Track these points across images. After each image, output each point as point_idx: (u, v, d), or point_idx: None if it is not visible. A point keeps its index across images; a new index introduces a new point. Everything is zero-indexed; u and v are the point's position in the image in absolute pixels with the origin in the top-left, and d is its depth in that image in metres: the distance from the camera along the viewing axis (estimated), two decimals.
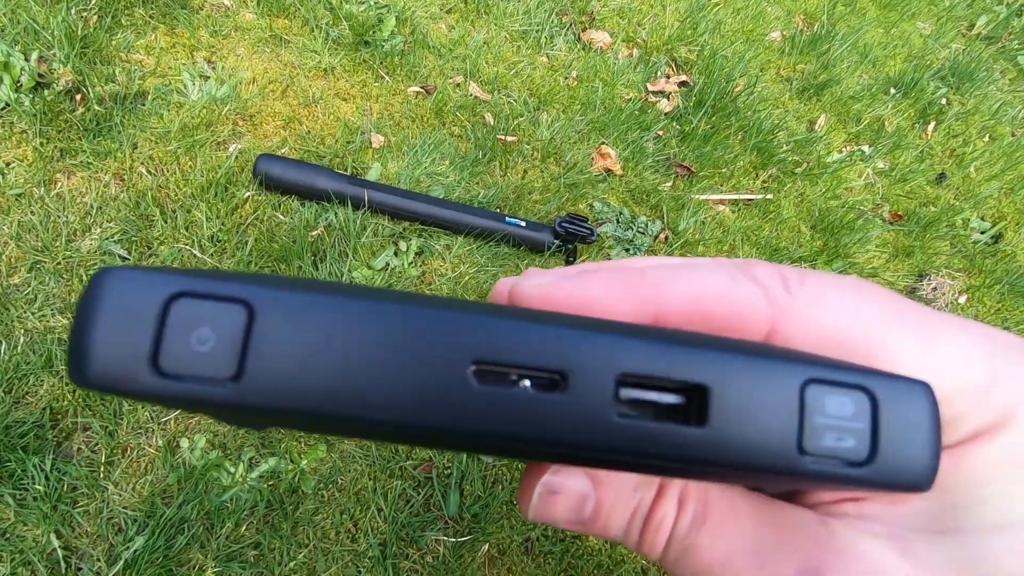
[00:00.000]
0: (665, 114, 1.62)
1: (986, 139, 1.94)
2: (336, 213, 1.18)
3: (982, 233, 1.71)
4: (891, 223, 1.63)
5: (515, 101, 1.49)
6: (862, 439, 0.12)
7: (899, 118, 1.87)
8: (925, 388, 0.12)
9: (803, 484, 0.13)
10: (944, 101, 1.98)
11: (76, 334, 0.11)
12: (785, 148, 1.66)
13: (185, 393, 0.11)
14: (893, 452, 0.12)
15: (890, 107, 1.88)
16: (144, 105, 1.21)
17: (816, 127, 1.76)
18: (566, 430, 0.11)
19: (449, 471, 1.00)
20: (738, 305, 0.13)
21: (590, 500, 0.15)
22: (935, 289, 1.49)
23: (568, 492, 0.15)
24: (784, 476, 0.12)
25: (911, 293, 1.50)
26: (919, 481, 0.12)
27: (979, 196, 1.76)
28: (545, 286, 0.14)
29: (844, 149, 1.75)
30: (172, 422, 0.95)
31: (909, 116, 1.90)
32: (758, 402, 0.11)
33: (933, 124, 1.91)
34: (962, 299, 1.52)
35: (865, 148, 1.76)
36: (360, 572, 0.91)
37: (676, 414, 0.12)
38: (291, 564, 0.90)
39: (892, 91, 1.95)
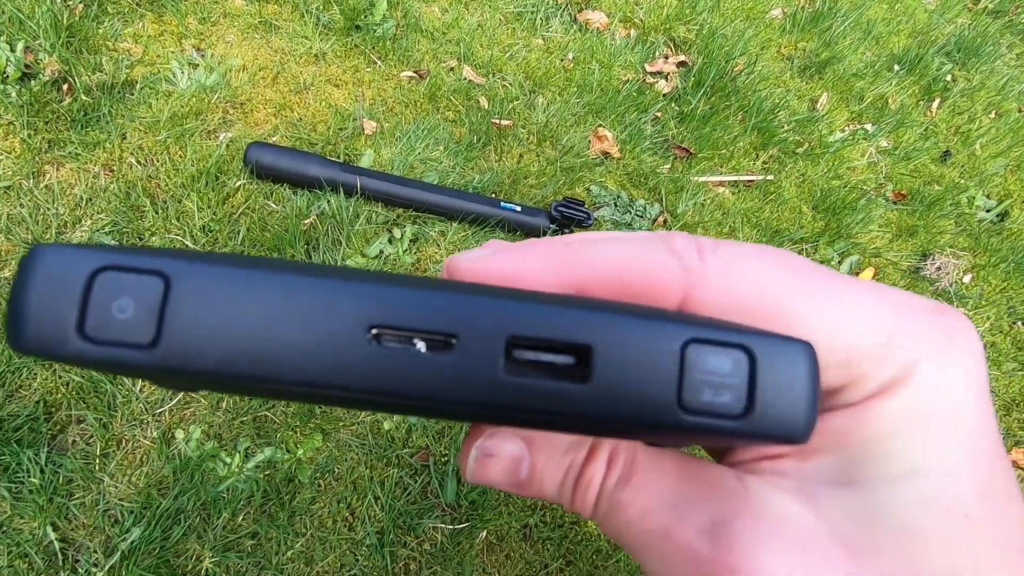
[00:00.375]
0: (663, 95, 1.59)
1: (992, 115, 1.90)
2: (329, 201, 1.16)
3: (988, 211, 1.68)
4: (894, 202, 1.60)
5: (510, 84, 1.47)
6: (738, 394, 0.12)
7: (903, 95, 1.84)
8: (805, 347, 0.13)
9: (686, 437, 0.13)
10: (949, 77, 1.94)
11: (12, 305, 0.12)
12: (786, 128, 1.63)
13: (109, 357, 0.12)
14: (769, 406, 0.12)
15: (894, 84, 1.84)
16: (132, 94, 1.19)
17: (818, 106, 1.73)
18: (454, 387, 0.12)
19: (446, 459, 0.99)
20: (653, 273, 0.14)
21: (524, 463, 0.16)
22: (939, 268, 1.47)
23: (502, 455, 0.16)
24: (665, 429, 0.12)
25: (915, 273, 1.48)
26: (795, 433, 0.13)
27: (985, 173, 1.73)
28: (476, 260, 0.15)
29: (846, 128, 1.72)
30: (167, 414, 0.95)
31: (913, 93, 1.86)
32: (640, 360, 0.12)
33: (938, 101, 1.87)
34: (967, 278, 1.50)
35: (868, 127, 1.73)
36: (358, 560, 0.91)
37: (568, 373, 0.12)
38: (288, 553, 0.89)
39: (896, 68, 1.91)
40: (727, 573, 0.14)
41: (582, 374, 0.12)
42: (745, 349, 0.13)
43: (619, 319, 0.12)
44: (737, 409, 0.12)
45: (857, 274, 1.43)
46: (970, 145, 1.80)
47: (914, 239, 1.53)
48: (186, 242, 1.07)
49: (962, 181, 1.71)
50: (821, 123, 1.68)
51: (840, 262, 1.43)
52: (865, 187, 1.60)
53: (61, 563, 0.83)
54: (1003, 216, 1.67)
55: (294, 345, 0.12)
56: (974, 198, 1.67)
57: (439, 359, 0.12)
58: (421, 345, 0.12)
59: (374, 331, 0.12)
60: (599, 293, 0.14)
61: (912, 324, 0.14)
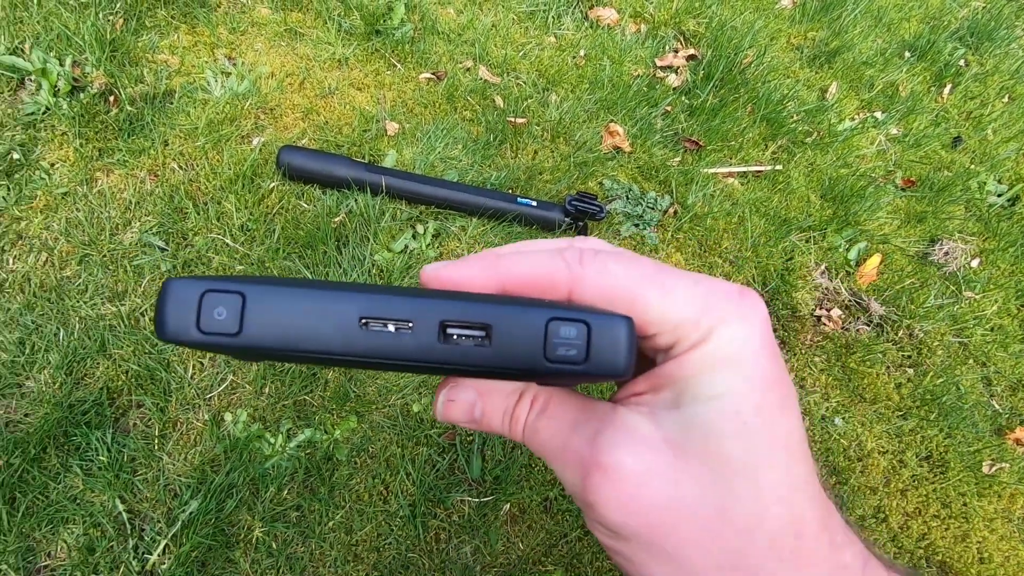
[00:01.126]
0: (673, 89, 1.63)
1: (1005, 100, 1.91)
2: (356, 200, 1.24)
3: (998, 196, 1.69)
4: (903, 189, 1.63)
5: (524, 83, 1.52)
6: (581, 350, 0.20)
7: (914, 82, 1.85)
8: (624, 320, 0.20)
9: (554, 379, 0.21)
10: (962, 62, 1.95)
11: (158, 313, 0.20)
12: (795, 118, 1.66)
13: (213, 342, 0.20)
14: (600, 356, 0.20)
15: (904, 71, 1.86)
16: (172, 103, 1.27)
17: (827, 95, 1.75)
18: (411, 352, 0.20)
19: (471, 438, 1.07)
20: (549, 276, 0.22)
21: (477, 406, 0.24)
22: (947, 254, 1.50)
23: (460, 400, 0.24)
24: (539, 373, 0.20)
25: (922, 258, 1.51)
26: (617, 372, 0.20)
27: (996, 159, 1.75)
28: (435, 269, 0.23)
29: (856, 116, 1.74)
30: (216, 398, 1.04)
31: (924, 80, 1.87)
32: (521, 332, 0.20)
33: (949, 87, 1.88)
34: (975, 262, 1.52)
35: (878, 114, 1.75)
36: (392, 530, 0.99)
37: (478, 342, 0.20)
38: (330, 524, 0.98)
39: (907, 54, 1.92)
40: (597, 465, 0.21)
41: (486, 342, 0.20)
42: (585, 323, 0.20)
43: (509, 308, 0.20)
44: (580, 359, 0.20)
45: (865, 260, 1.47)
46: (982, 130, 1.81)
47: (922, 225, 1.56)
48: (227, 241, 1.16)
49: (973, 167, 1.73)
50: (830, 112, 1.71)
51: (848, 249, 1.47)
52: (874, 175, 1.63)
53: (129, 532, 0.92)
54: (1014, 201, 1.69)
55: (318, 330, 0.20)
56: (985, 183, 1.69)
57: (402, 335, 0.20)
58: (391, 327, 0.20)
59: (363, 320, 0.20)
60: (517, 290, 0.22)
61: (717, 301, 0.21)
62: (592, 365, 0.20)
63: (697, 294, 0.21)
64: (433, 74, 1.48)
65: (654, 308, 0.21)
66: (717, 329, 0.21)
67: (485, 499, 1.03)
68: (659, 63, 1.67)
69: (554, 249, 0.22)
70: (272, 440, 1.01)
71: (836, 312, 1.37)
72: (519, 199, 1.27)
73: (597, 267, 0.21)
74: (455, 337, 0.20)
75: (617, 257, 0.22)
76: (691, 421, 0.21)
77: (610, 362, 0.20)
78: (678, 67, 1.68)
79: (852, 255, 1.46)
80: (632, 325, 0.20)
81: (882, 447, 1.24)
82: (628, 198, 1.40)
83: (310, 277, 1.14)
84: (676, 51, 1.72)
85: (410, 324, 0.20)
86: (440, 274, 0.22)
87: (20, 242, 1.09)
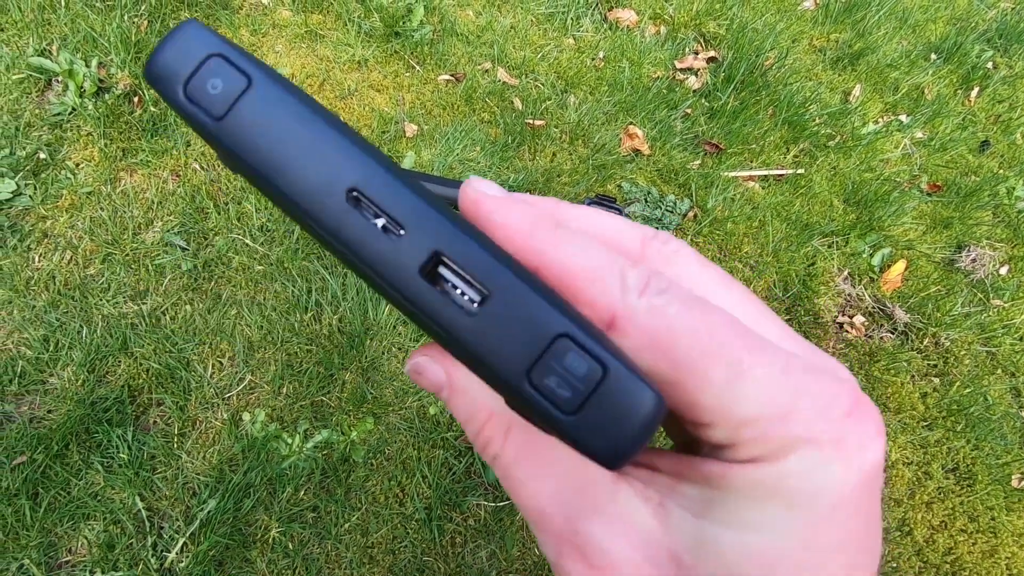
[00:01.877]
0: (693, 91, 1.61)
1: None
2: None
3: None
4: (929, 194, 1.59)
5: (543, 85, 1.52)
6: (576, 396, 0.14)
7: (940, 85, 1.81)
8: (652, 396, 0.14)
9: (522, 407, 0.16)
10: (990, 65, 1.91)
11: (157, 47, 0.16)
12: (817, 121, 1.63)
13: (191, 113, 0.16)
14: (595, 420, 0.14)
15: (930, 74, 1.82)
16: None
17: (851, 98, 1.73)
18: (379, 262, 0.15)
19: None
20: (593, 293, 0.16)
21: (444, 392, 0.19)
22: (974, 260, 1.46)
23: (427, 376, 0.19)
24: (510, 389, 0.15)
25: (949, 265, 1.48)
26: (603, 456, 0.14)
27: None
28: (476, 192, 0.17)
29: (880, 120, 1.71)
30: (235, 398, 1.04)
31: (951, 82, 1.84)
32: (519, 325, 0.15)
33: (977, 90, 1.84)
34: (1003, 270, 1.49)
35: (903, 118, 1.72)
36: (408, 533, 0.99)
37: (464, 305, 0.15)
38: (346, 525, 0.98)
39: (933, 57, 1.88)
40: (579, 552, 0.16)
41: (474, 309, 0.15)
42: (603, 365, 0.14)
43: (525, 289, 0.15)
44: (568, 406, 0.14)
45: (889, 266, 1.43)
46: (1011, 134, 1.77)
47: (949, 231, 1.53)
48: (247, 241, 1.17)
49: (1001, 171, 1.69)
50: (854, 115, 1.68)
51: (872, 255, 1.45)
52: (898, 179, 1.60)
53: (148, 529, 0.93)
54: None
55: (301, 173, 0.15)
56: (1014, 188, 1.65)
57: (385, 238, 0.15)
58: (380, 221, 0.15)
59: (353, 193, 0.15)
60: (553, 278, 0.16)
61: (813, 409, 0.15)
62: (579, 425, 0.14)
63: (784, 389, 0.15)
64: (452, 76, 1.48)
65: (713, 393, 0.15)
66: (800, 450, 0.15)
67: (501, 504, 1.03)
68: (679, 65, 1.65)
69: (613, 260, 0.16)
70: (289, 440, 1.01)
71: (859, 319, 1.34)
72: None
73: (655, 307, 0.15)
74: (443, 280, 0.15)
75: (687, 303, 0.15)
76: (713, 546, 0.15)
77: (603, 436, 0.14)
78: (698, 69, 1.66)
79: (876, 261, 1.43)
80: (660, 407, 0.14)
81: (907, 458, 1.21)
82: (647, 201, 1.39)
83: (325, 266, 1.13)
84: (696, 53, 1.70)
85: (402, 231, 0.15)
86: (481, 204, 0.17)
87: (46, 240, 1.11)
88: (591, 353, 0.14)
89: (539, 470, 0.18)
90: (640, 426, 0.14)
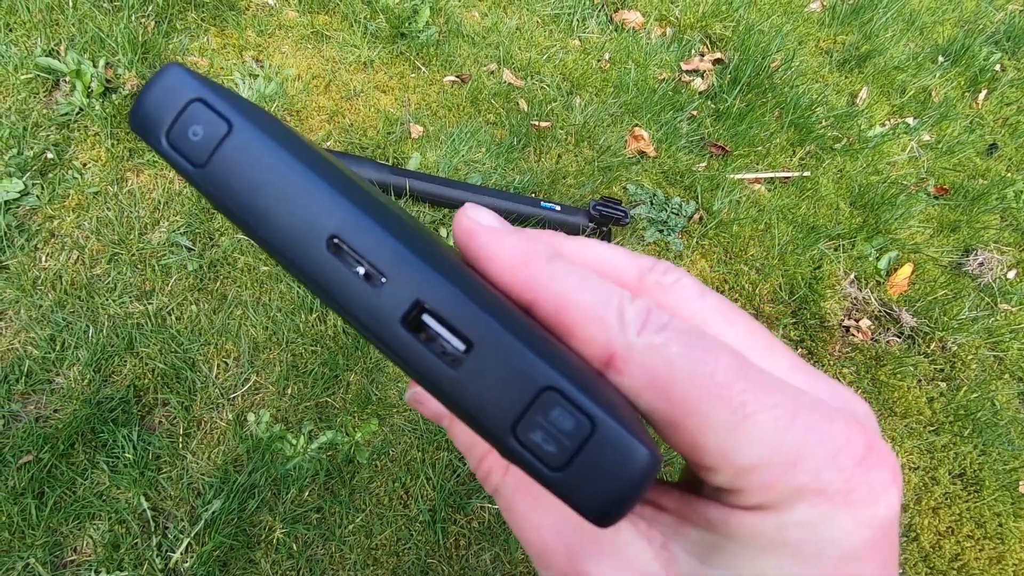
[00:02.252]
0: (699, 93, 1.61)
1: None
2: None
3: None
4: (936, 197, 1.59)
5: (548, 86, 1.51)
6: (563, 452, 0.14)
7: (947, 87, 1.80)
8: (645, 454, 0.14)
9: (511, 459, 0.15)
10: (998, 67, 1.90)
11: (139, 94, 0.16)
12: (824, 124, 1.63)
13: (174, 160, 0.16)
14: (582, 478, 0.14)
15: (938, 76, 1.81)
16: None
17: (857, 100, 1.72)
18: (360, 310, 0.15)
19: None
20: (589, 330, 0.15)
21: (444, 420, 0.19)
22: (981, 264, 1.45)
23: (427, 407, 0.19)
24: (495, 443, 0.15)
25: (956, 268, 1.47)
26: (591, 513, 0.14)
27: None
28: (471, 223, 0.16)
29: (887, 122, 1.71)
30: (240, 399, 1.04)
31: (959, 85, 1.83)
32: (505, 379, 0.14)
33: (985, 92, 1.83)
34: (1011, 274, 1.48)
35: (910, 120, 1.71)
36: (412, 535, 0.99)
37: (448, 356, 0.15)
38: (350, 527, 0.98)
39: (940, 59, 1.87)
40: None
41: (457, 359, 0.15)
42: (592, 421, 0.14)
43: (511, 339, 0.14)
44: (555, 462, 0.14)
45: (896, 270, 1.43)
46: (1019, 137, 1.76)
47: (956, 234, 1.52)
48: (251, 241, 1.17)
49: (1009, 175, 1.68)
50: (860, 118, 1.67)
51: (878, 258, 1.44)
52: (905, 182, 1.59)
53: (153, 529, 0.93)
54: None
55: (281, 222, 0.15)
56: (1022, 192, 1.64)
57: (366, 286, 0.15)
58: (361, 269, 0.15)
59: (335, 241, 0.15)
60: (548, 316, 0.16)
61: (823, 457, 0.14)
62: (567, 481, 0.14)
63: (791, 433, 0.14)
64: (457, 77, 1.48)
65: (715, 438, 0.14)
66: (808, 500, 0.14)
67: None
68: (685, 67, 1.65)
69: (611, 292, 0.15)
70: (294, 441, 1.01)
71: (865, 323, 1.34)
72: (543, 203, 1.27)
73: (654, 345, 0.14)
74: (427, 328, 0.15)
75: (688, 340, 0.14)
76: None
77: (593, 494, 0.14)
78: (704, 71, 1.66)
79: (882, 264, 1.42)
80: (653, 465, 0.14)
81: (913, 463, 1.20)
82: (652, 203, 1.38)
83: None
84: (702, 55, 1.70)
85: (383, 279, 0.15)
86: (475, 236, 0.16)
87: (53, 240, 1.11)
88: (579, 407, 0.14)
89: (541, 504, 0.17)
90: (631, 485, 0.14)
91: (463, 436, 0.19)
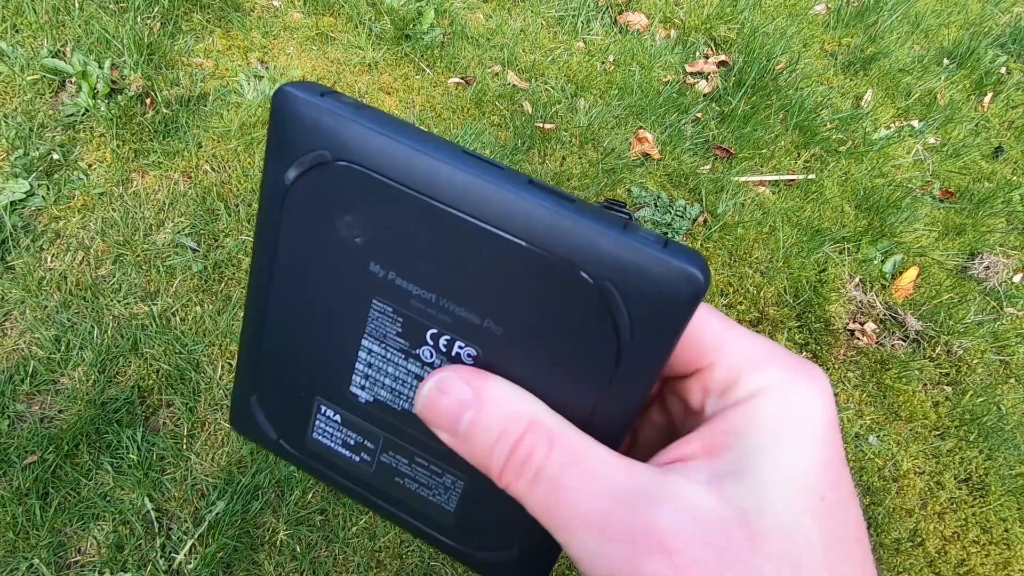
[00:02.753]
0: (704, 95, 1.61)
1: None
2: None
3: None
4: (941, 200, 1.58)
5: (552, 88, 1.51)
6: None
7: (953, 90, 1.80)
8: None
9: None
10: (1004, 70, 1.89)
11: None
12: (829, 126, 1.62)
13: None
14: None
15: (943, 79, 1.81)
16: (206, 106, 1.29)
17: (862, 103, 1.71)
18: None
19: None
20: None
21: (469, 412, 0.18)
22: (987, 268, 1.45)
23: (452, 394, 0.19)
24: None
25: (961, 272, 1.47)
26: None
27: None
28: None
29: (892, 125, 1.70)
30: None
31: (964, 88, 1.82)
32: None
33: (990, 95, 1.82)
34: (1017, 278, 1.47)
35: (915, 123, 1.71)
36: (415, 538, 0.98)
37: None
38: (354, 529, 0.98)
39: (946, 62, 1.86)
40: (660, 547, 0.17)
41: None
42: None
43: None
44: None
45: (901, 273, 1.42)
46: None
47: (961, 238, 1.51)
48: None
49: (1015, 178, 1.67)
50: (865, 120, 1.67)
51: (883, 261, 1.43)
52: (911, 185, 1.58)
53: (157, 530, 0.93)
54: None
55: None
56: None
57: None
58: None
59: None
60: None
61: (785, 359, 0.19)
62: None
63: (761, 342, 0.19)
64: (462, 79, 1.48)
65: (713, 335, 0.19)
66: (789, 383, 0.18)
67: None
68: (689, 69, 1.65)
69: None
70: None
71: (870, 326, 1.33)
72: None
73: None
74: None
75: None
76: (765, 494, 0.17)
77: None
78: (709, 73, 1.65)
79: (887, 268, 1.42)
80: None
81: (918, 467, 1.20)
82: (656, 206, 1.38)
83: None
84: (707, 57, 1.69)
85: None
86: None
87: (58, 241, 1.11)
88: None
89: (592, 474, 0.18)
90: None
91: (497, 420, 0.18)
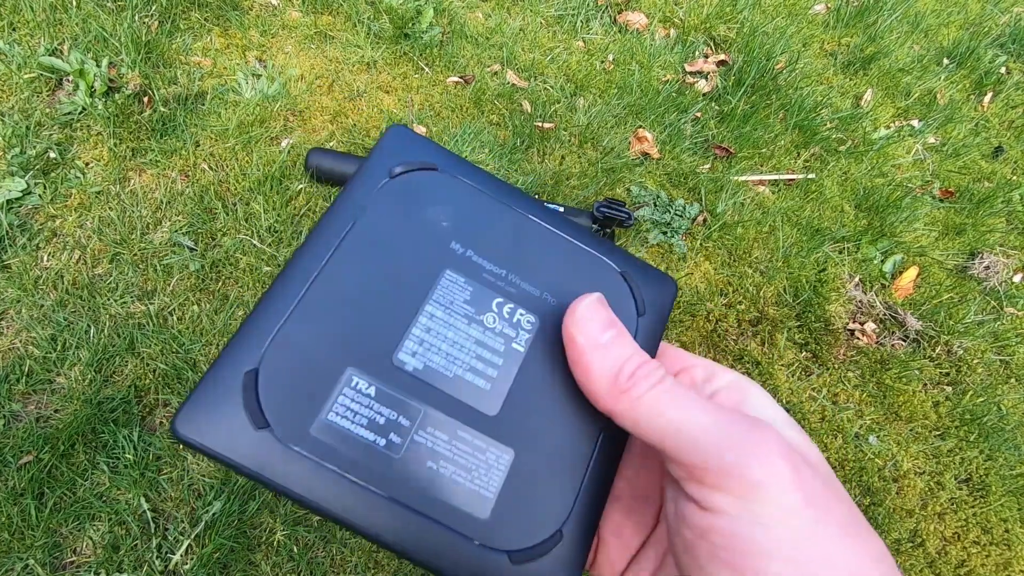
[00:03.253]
0: (703, 95, 1.60)
1: None
2: None
3: None
4: (941, 200, 1.58)
5: (552, 87, 1.51)
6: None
7: (952, 90, 1.80)
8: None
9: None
10: (1003, 70, 1.89)
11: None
12: (829, 126, 1.62)
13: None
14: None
15: (943, 79, 1.80)
16: (204, 105, 1.29)
17: (862, 103, 1.71)
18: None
19: None
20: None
21: (612, 329, 0.22)
22: (987, 268, 1.44)
23: (604, 310, 0.23)
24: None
25: (961, 272, 1.46)
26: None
27: None
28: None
29: (892, 125, 1.70)
30: None
31: (964, 88, 1.82)
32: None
33: (990, 95, 1.82)
34: (1017, 278, 1.47)
35: (915, 123, 1.70)
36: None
37: None
38: None
39: (946, 62, 1.86)
40: (786, 454, 0.18)
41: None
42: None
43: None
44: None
45: (901, 273, 1.42)
46: None
47: (961, 237, 1.51)
48: (254, 242, 1.16)
49: (1015, 177, 1.67)
50: (865, 120, 1.66)
51: (883, 261, 1.43)
52: (910, 185, 1.58)
53: (153, 531, 0.93)
54: None
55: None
56: None
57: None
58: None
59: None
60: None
61: (729, 370, 0.23)
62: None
63: (709, 361, 0.25)
64: (461, 78, 1.48)
65: (683, 354, 0.25)
66: (746, 380, 0.23)
67: None
68: (689, 68, 1.65)
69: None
70: None
71: (870, 326, 1.33)
72: (547, 204, 1.26)
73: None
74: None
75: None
76: None
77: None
78: (708, 72, 1.65)
79: (887, 267, 1.41)
80: None
81: (919, 468, 1.19)
82: (656, 205, 1.38)
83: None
84: (706, 56, 1.69)
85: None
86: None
87: (55, 239, 1.11)
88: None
89: (695, 406, 0.20)
90: None
91: (621, 350, 0.21)
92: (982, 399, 1.27)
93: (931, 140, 1.69)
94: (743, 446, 0.18)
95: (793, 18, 1.82)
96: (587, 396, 0.21)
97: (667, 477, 0.21)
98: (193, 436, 0.19)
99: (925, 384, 1.29)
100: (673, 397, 0.20)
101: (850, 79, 1.75)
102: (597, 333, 0.21)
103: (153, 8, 1.36)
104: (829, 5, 1.90)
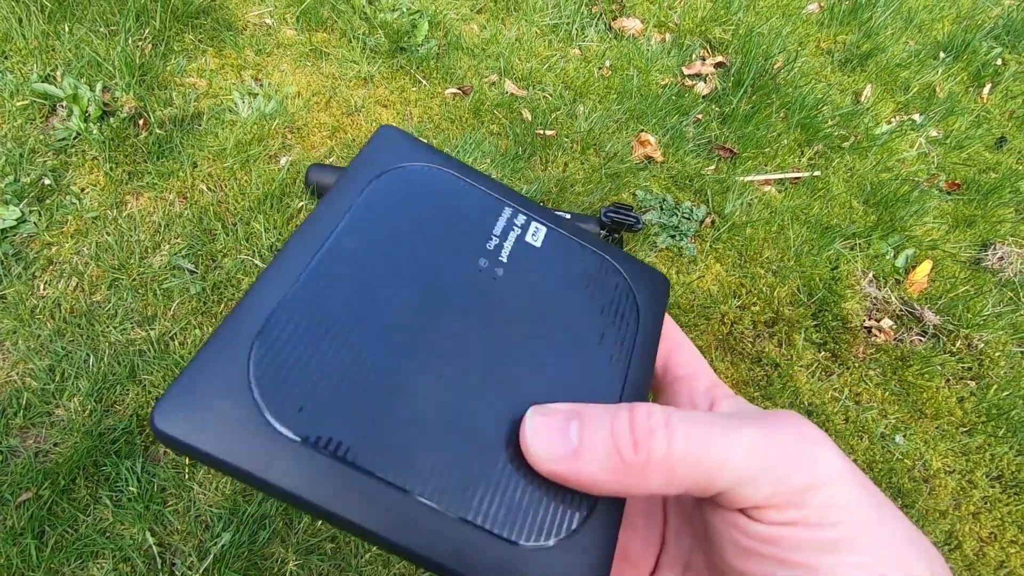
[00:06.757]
0: (703, 97, 1.59)
1: None
2: None
3: None
4: (949, 193, 1.56)
5: (551, 95, 1.50)
6: None
7: (951, 83, 1.79)
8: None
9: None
10: (1000, 62, 1.89)
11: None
12: (830, 123, 1.61)
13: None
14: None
15: (940, 72, 1.80)
16: (200, 125, 1.27)
17: (862, 99, 1.70)
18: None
19: None
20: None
21: (574, 425, 0.18)
22: (1001, 259, 1.42)
23: (553, 416, 0.18)
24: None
25: (975, 264, 1.44)
26: None
27: None
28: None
29: (893, 119, 1.69)
30: None
31: (962, 80, 1.81)
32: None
33: (989, 87, 1.81)
34: None
35: (916, 117, 1.70)
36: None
37: None
38: (366, 556, 0.93)
39: (942, 55, 1.86)
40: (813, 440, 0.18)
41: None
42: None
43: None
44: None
45: (914, 267, 1.40)
46: None
47: (972, 229, 1.49)
48: (255, 261, 1.14)
49: (1020, 167, 1.65)
50: (866, 116, 1.65)
51: (895, 256, 1.41)
52: (917, 178, 1.56)
53: (160, 566, 0.88)
54: None
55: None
56: None
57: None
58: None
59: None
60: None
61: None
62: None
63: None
64: (459, 89, 1.46)
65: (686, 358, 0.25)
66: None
67: None
68: (687, 71, 1.64)
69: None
70: None
71: (887, 322, 1.30)
72: (555, 213, 1.24)
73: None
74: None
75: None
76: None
77: None
78: (706, 75, 1.64)
79: (900, 262, 1.39)
80: None
81: (949, 466, 1.16)
82: (663, 209, 1.36)
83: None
84: (704, 59, 1.68)
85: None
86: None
87: (51, 267, 1.08)
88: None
89: (732, 427, 0.18)
90: None
91: (600, 412, 0.18)
92: (1007, 393, 1.24)
93: (933, 133, 1.68)
94: (797, 462, 0.17)
95: (787, 18, 1.82)
96: (600, 494, 0.18)
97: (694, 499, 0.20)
98: (176, 432, 0.16)
99: (948, 380, 1.26)
100: (702, 430, 0.17)
101: (848, 76, 1.75)
102: (560, 444, 0.18)
103: (146, 31, 1.35)
104: (822, 4, 1.90)
